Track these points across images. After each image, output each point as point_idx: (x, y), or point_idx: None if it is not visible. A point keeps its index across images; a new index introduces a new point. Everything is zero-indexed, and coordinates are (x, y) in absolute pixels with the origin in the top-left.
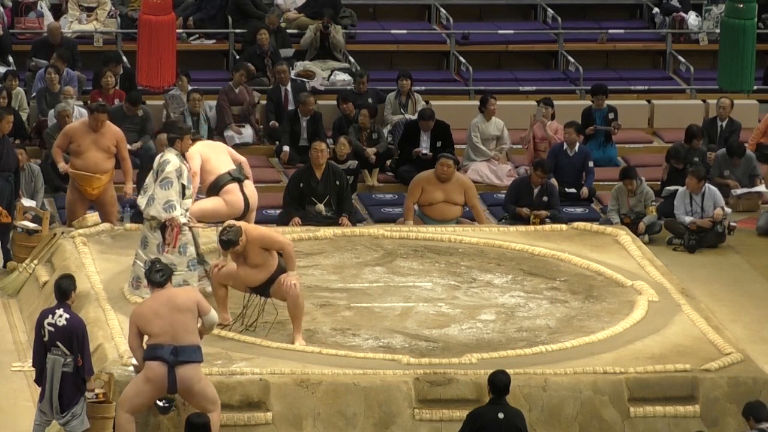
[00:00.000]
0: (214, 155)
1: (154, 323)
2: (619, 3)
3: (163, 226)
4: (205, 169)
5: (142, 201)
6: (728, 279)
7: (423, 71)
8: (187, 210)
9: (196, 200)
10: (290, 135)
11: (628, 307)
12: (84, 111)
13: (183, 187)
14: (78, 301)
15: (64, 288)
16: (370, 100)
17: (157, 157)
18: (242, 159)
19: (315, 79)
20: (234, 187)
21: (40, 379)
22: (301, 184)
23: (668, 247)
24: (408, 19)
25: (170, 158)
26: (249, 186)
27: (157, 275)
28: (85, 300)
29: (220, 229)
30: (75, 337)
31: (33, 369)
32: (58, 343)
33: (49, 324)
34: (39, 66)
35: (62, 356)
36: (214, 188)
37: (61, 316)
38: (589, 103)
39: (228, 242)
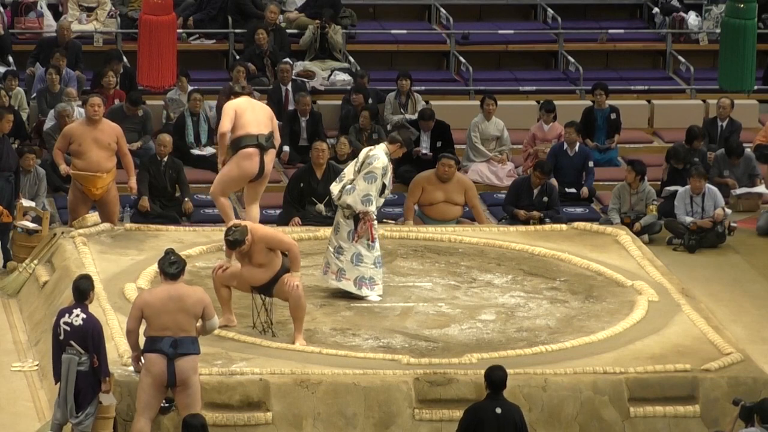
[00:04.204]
0: (252, 113)
1: (160, 317)
2: (619, 3)
3: (356, 217)
4: (237, 124)
5: (335, 187)
6: (728, 279)
7: (423, 71)
8: (379, 207)
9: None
10: (290, 135)
11: (628, 307)
12: (83, 111)
13: (383, 186)
14: None
15: (83, 288)
16: (370, 101)
17: (365, 150)
18: (276, 128)
19: (315, 79)
20: (254, 152)
21: (57, 378)
22: (302, 184)
23: (668, 247)
24: (408, 19)
25: (380, 155)
26: (270, 154)
27: (172, 267)
28: None
29: (226, 228)
30: (91, 337)
31: (34, 369)
32: (72, 343)
33: (65, 323)
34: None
35: (77, 355)
36: (235, 145)
37: (77, 315)
38: (589, 102)
39: (234, 242)
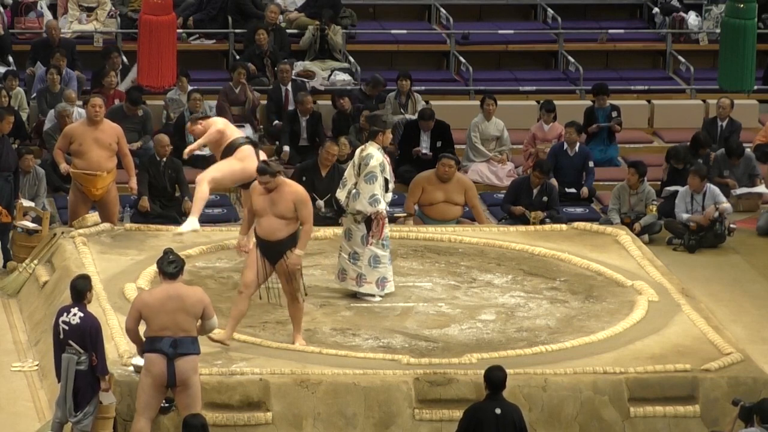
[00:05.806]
0: (232, 126)
1: (158, 317)
2: (619, 3)
3: (368, 220)
4: (225, 135)
5: (341, 194)
6: (728, 279)
7: (423, 71)
8: (388, 203)
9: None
10: (290, 135)
11: (628, 307)
12: (83, 111)
13: (386, 181)
14: None
15: (80, 288)
16: (372, 101)
17: (358, 150)
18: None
19: (315, 79)
20: (249, 149)
21: (59, 377)
22: (304, 178)
23: (668, 247)
24: (408, 19)
25: (373, 152)
26: (263, 156)
27: (170, 267)
28: None
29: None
30: (88, 336)
31: (34, 369)
32: (71, 342)
33: (64, 322)
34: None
35: (76, 354)
36: (228, 151)
37: (75, 314)
38: (590, 102)
39: (264, 169)
